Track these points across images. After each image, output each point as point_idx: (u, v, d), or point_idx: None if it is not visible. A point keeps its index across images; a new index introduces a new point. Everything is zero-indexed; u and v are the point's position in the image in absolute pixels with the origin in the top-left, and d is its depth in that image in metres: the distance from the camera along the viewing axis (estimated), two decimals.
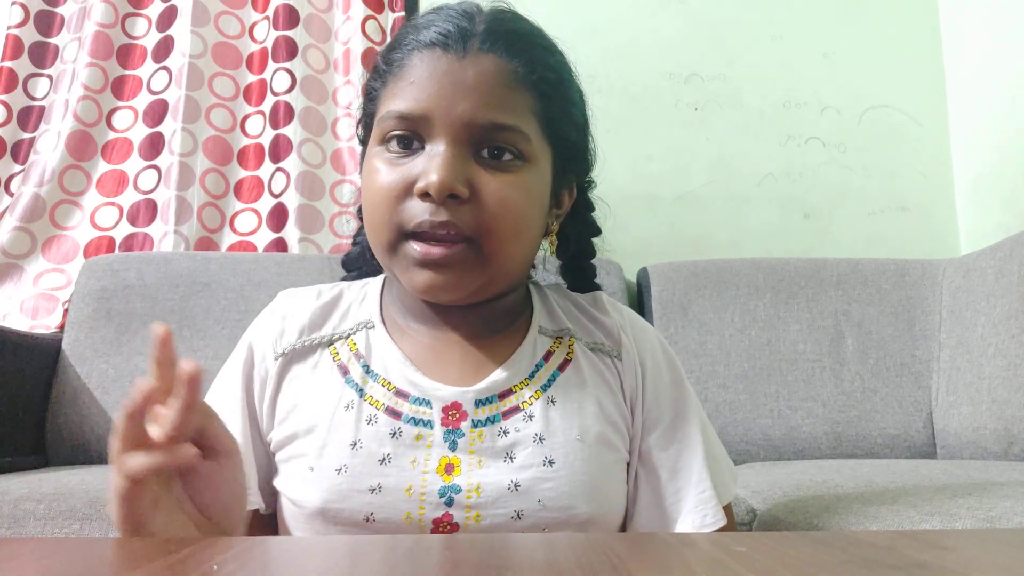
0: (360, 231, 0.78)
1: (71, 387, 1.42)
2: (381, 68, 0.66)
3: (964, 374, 1.38)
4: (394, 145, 0.62)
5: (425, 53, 0.62)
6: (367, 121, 0.69)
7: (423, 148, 0.61)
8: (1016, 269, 1.30)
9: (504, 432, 0.62)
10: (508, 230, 0.61)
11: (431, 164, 0.59)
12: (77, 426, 1.39)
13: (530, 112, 0.63)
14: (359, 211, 0.76)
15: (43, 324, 1.55)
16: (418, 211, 0.60)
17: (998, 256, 1.37)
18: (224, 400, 0.66)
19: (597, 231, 0.78)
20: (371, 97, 0.68)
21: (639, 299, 1.63)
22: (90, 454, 1.38)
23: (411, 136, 0.62)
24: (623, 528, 0.67)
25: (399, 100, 0.62)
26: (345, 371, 0.65)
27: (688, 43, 1.87)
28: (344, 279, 0.79)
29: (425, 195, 0.59)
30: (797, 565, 0.34)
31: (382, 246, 0.63)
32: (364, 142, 0.70)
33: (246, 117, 1.77)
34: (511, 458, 0.61)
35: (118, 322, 1.46)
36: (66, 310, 1.52)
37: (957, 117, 1.84)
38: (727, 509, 0.67)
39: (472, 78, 0.61)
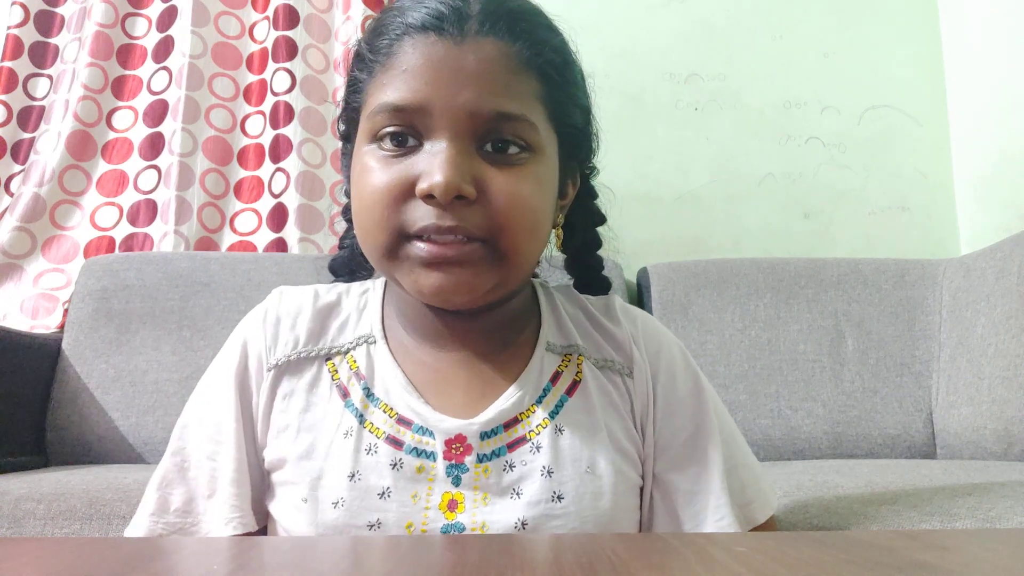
0: (348, 233, 0.72)
1: (71, 387, 1.41)
2: (366, 56, 0.60)
3: (964, 374, 1.38)
4: (388, 143, 0.56)
5: (417, 38, 0.56)
6: (351, 115, 0.63)
7: (421, 145, 0.56)
8: (1016, 269, 1.30)
9: (511, 466, 0.58)
10: (523, 228, 0.56)
11: (434, 163, 0.54)
12: (77, 426, 1.39)
13: (535, 99, 0.57)
14: (344, 211, 0.71)
15: (43, 324, 1.55)
16: (421, 214, 0.55)
17: (998, 256, 1.37)
18: (219, 408, 0.62)
19: (602, 219, 0.73)
20: (355, 89, 0.61)
21: (639, 299, 1.63)
22: (90, 454, 1.38)
23: (406, 132, 0.56)
24: None
25: (391, 91, 0.56)
26: (345, 393, 0.61)
27: (688, 43, 1.87)
28: (333, 268, 0.74)
29: (429, 197, 0.54)
30: (797, 565, 0.34)
31: (379, 250, 0.57)
32: (346, 138, 0.64)
33: (246, 117, 1.77)
34: (518, 494, 0.57)
35: (118, 322, 1.46)
36: (66, 310, 1.52)
37: (957, 117, 1.84)
38: (770, 523, 0.64)
39: (473, 64, 0.55)
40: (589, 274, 0.73)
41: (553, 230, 0.66)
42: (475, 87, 0.55)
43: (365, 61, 0.60)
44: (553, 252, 0.70)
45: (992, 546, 0.42)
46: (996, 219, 1.70)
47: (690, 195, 1.82)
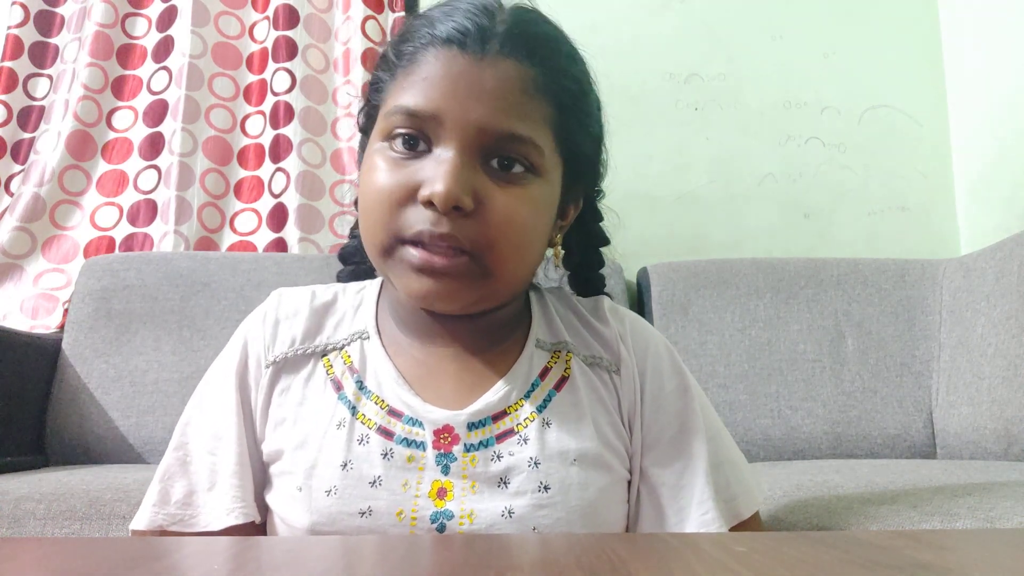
0: (357, 224, 0.73)
1: (71, 387, 1.41)
2: (391, 59, 0.62)
3: (964, 374, 1.38)
4: (399, 144, 0.59)
5: (440, 50, 0.58)
6: (370, 112, 0.65)
7: (430, 151, 0.58)
8: (1016, 269, 1.30)
9: (498, 456, 0.59)
10: (510, 247, 0.59)
11: (438, 171, 0.56)
12: (77, 426, 1.39)
13: (546, 123, 0.60)
14: (356, 202, 0.72)
15: (43, 324, 1.55)
16: (418, 219, 0.57)
17: (998, 256, 1.37)
18: (220, 405, 0.64)
19: (605, 241, 0.74)
20: (377, 88, 0.64)
21: (639, 299, 1.63)
22: (90, 454, 1.38)
23: (418, 136, 0.58)
24: None
25: (409, 95, 0.58)
26: (339, 387, 0.63)
27: (688, 43, 1.87)
28: (340, 273, 0.76)
29: (428, 204, 0.56)
30: (797, 565, 0.34)
31: (377, 249, 0.60)
32: (365, 131, 0.67)
33: (246, 117, 1.77)
34: (505, 484, 0.58)
35: (118, 322, 1.46)
36: (66, 310, 1.52)
37: (957, 117, 1.84)
38: (754, 519, 0.64)
39: (490, 82, 0.57)
40: (589, 289, 0.75)
41: (551, 248, 0.68)
42: (488, 104, 0.57)
43: (389, 64, 0.63)
44: (547, 262, 0.71)
45: (992, 546, 0.42)
46: (996, 219, 1.70)
47: (690, 195, 1.82)
